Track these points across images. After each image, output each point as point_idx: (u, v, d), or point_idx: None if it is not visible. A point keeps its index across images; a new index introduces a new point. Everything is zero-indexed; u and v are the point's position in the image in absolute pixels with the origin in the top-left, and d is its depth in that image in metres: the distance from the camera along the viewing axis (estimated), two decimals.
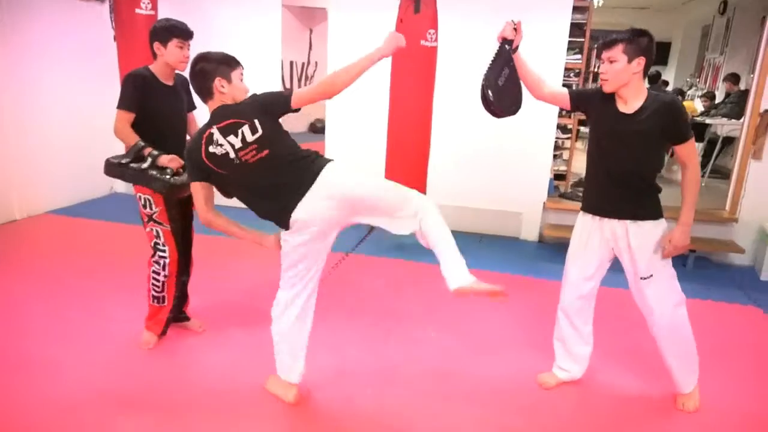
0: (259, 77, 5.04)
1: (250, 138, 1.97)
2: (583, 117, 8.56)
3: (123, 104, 2.40)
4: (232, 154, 1.98)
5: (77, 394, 2.26)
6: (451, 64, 4.31)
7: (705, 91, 7.80)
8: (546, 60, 4.40)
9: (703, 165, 6.48)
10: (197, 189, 2.10)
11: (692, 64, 9.18)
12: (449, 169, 4.59)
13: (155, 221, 2.51)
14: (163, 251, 2.55)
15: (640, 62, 2.06)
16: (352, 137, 4.91)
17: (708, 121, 6.40)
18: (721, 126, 6.13)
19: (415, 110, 3.75)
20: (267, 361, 2.55)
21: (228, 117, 2.00)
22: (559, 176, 4.93)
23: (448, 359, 2.70)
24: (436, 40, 3.63)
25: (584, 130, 9.33)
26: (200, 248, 2.90)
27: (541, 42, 4.39)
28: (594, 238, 2.29)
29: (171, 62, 2.45)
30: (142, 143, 2.39)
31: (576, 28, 4.43)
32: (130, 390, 2.32)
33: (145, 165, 2.37)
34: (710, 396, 2.41)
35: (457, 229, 4.96)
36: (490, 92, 2.25)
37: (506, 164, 4.58)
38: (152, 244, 2.55)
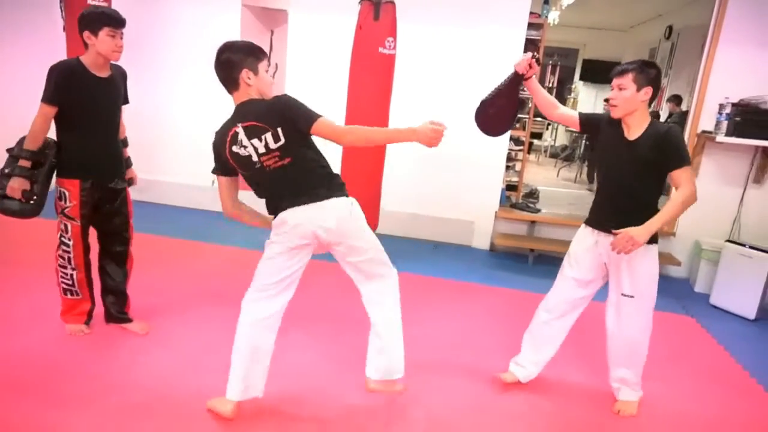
0: (216, 77, 4.99)
1: (273, 146, 1.96)
2: (534, 130, 8.74)
3: (45, 97, 2.31)
4: (254, 158, 1.98)
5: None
6: (409, 73, 4.37)
7: (651, 110, 8.16)
8: (501, 75, 4.51)
9: None
10: (222, 183, 2.11)
11: None
12: (404, 176, 4.63)
13: (66, 215, 2.46)
14: (68, 246, 2.50)
15: (647, 92, 2.20)
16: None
17: None
18: None
19: (372, 117, 3.76)
20: (209, 366, 2.51)
21: (254, 119, 1.96)
22: (511, 187, 5.06)
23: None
24: (394, 48, 3.67)
25: (537, 143, 9.63)
26: (149, 249, 2.83)
27: (496, 56, 4.51)
28: (591, 249, 2.40)
29: (103, 52, 2.36)
30: (25, 153, 2.32)
31: (531, 44, 4.57)
32: (67, 390, 2.22)
33: (7, 170, 2.35)
34: (649, 398, 2.53)
35: (412, 236, 5.07)
36: (480, 120, 2.48)
37: (460, 173, 4.66)
38: (59, 235, 2.51)
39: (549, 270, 4.41)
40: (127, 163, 2.75)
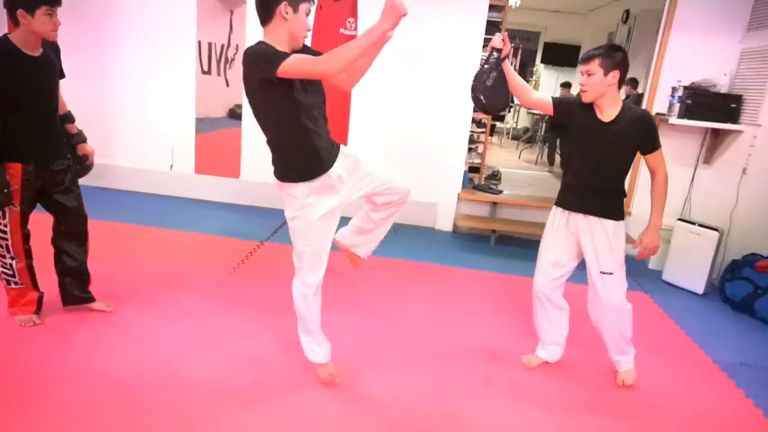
0: (172, 58, 4.84)
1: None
2: None
3: None
4: None
5: None
6: None
7: None
8: (463, 56, 4.53)
9: None
10: (299, 59, 1.85)
11: None
12: (368, 158, 4.61)
13: None
14: (5, 233, 2.41)
15: (615, 75, 2.27)
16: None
17: None
18: None
19: (333, 100, 3.72)
20: (170, 354, 2.48)
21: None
22: (473, 169, 5.11)
23: (363, 346, 2.74)
24: (355, 29, 3.63)
25: (500, 125, 9.74)
26: (106, 236, 2.75)
27: (458, 38, 4.52)
28: (562, 230, 2.51)
29: (40, 32, 2.26)
30: None
31: (492, 26, 4.58)
32: (22, 384, 2.15)
33: None
34: (606, 369, 2.65)
35: None
36: (479, 94, 2.43)
37: (423, 156, 4.68)
38: None
39: (511, 250, 4.53)
40: (80, 137, 2.63)
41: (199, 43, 4.98)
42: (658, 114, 4.39)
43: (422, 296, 3.40)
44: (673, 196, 4.50)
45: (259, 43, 1.96)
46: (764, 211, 3.93)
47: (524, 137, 8.77)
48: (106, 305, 2.75)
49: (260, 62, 1.87)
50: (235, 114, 8.93)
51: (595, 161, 2.40)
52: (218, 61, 8.63)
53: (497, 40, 2.42)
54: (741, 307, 3.68)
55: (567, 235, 2.50)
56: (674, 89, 4.21)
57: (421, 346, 2.78)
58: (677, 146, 4.45)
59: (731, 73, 4.24)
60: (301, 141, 2.09)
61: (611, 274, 2.44)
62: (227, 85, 6.56)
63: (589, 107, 2.38)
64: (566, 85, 8.70)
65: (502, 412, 2.31)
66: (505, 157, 7.77)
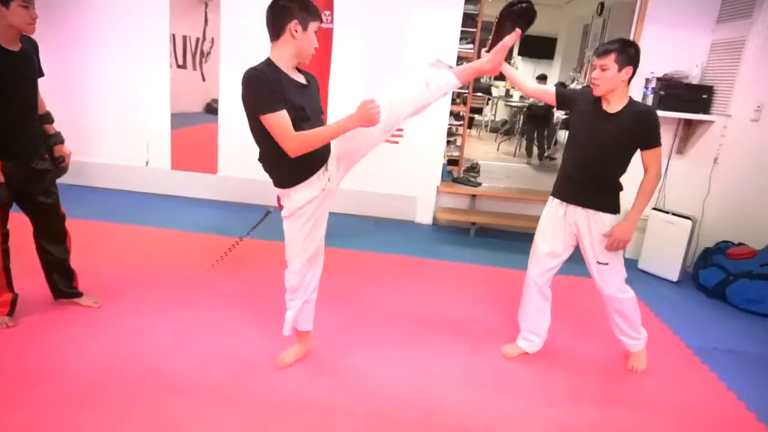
0: (145, 52, 4.75)
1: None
2: (475, 105, 8.85)
3: None
4: None
5: None
6: (347, 47, 4.31)
7: (584, 85, 8.45)
8: (439, 48, 4.53)
9: None
10: (281, 123, 1.94)
11: (575, 59, 9.88)
12: None
13: None
14: None
15: (628, 71, 2.31)
16: (245, 119, 4.76)
17: None
18: None
19: None
20: (146, 351, 2.44)
21: None
22: (452, 161, 5.12)
23: (344, 338, 2.73)
24: (331, 21, 3.60)
25: (478, 117, 9.78)
26: (82, 234, 2.71)
27: (434, 31, 4.52)
28: (559, 222, 2.54)
29: (17, 24, 2.21)
30: None
31: (468, 19, 4.59)
32: None
33: None
34: (584, 354, 2.69)
35: (353, 213, 5.07)
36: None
37: (401, 149, 4.68)
38: None
39: (490, 242, 4.56)
40: (57, 139, 2.60)
41: (173, 36, 4.90)
42: None
43: (403, 289, 3.41)
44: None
45: (267, 64, 2.00)
46: (735, 200, 4.03)
47: (503, 129, 8.82)
48: (94, 301, 2.77)
49: (253, 97, 1.96)
50: (211, 109, 8.81)
51: (594, 151, 2.42)
52: (193, 55, 8.50)
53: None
54: (714, 293, 3.77)
55: (564, 227, 2.54)
56: (648, 81, 4.27)
57: (401, 339, 2.79)
58: None
59: (702, 64, 4.31)
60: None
61: (606, 264, 2.50)
62: (203, 79, 6.47)
63: (596, 99, 2.42)
64: (542, 78, 8.77)
65: (482, 402, 2.34)
66: (484, 150, 7.81)
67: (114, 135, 4.93)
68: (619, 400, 2.44)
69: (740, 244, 3.91)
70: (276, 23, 1.97)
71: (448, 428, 2.15)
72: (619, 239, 2.40)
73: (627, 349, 2.72)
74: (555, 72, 10.19)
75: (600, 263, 2.50)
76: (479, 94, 8.58)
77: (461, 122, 5.10)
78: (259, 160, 2.16)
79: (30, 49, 2.36)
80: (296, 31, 1.95)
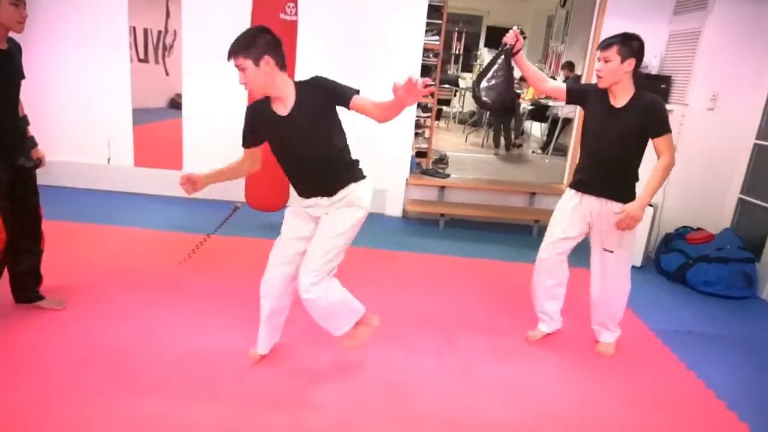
0: (103, 45, 4.60)
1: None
2: (443, 97, 8.89)
3: None
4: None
5: None
6: (313, 40, 4.27)
7: (549, 76, 8.58)
8: (405, 40, 4.53)
9: (547, 143, 7.18)
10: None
11: (540, 51, 10.02)
12: None
13: None
14: None
15: (630, 63, 2.37)
16: (210, 114, 4.68)
17: (550, 103, 7.06)
18: (561, 108, 6.81)
19: None
20: (111, 355, 2.39)
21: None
22: (420, 154, 5.15)
23: (315, 332, 2.73)
24: (295, 14, 3.56)
25: (446, 109, 9.83)
26: (46, 234, 2.65)
27: (399, 23, 4.51)
28: (574, 209, 2.63)
29: (6, 23, 2.17)
30: None
31: (434, 10, 4.60)
32: None
33: None
34: (555, 337, 2.76)
35: None
36: (479, 92, 2.56)
37: (370, 143, 4.66)
38: None
39: (459, 233, 4.61)
40: (32, 142, 2.58)
41: (134, 29, 4.78)
42: None
43: (373, 282, 3.42)
44: None
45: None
46: (693, 186, 4.17)
47: (470, 121, 8.89)
48: (57, 302, 2.70)
49: (339, 85, 2.11)
50: (175, 104, 8.64)
51: (607, 146, 2.49)
52: (155, 49, 8.29)
53: (510, 35, 2.52)
54: (675, 277, 3.90)
55: (579, 214, 2.63)
56: (540, 71, 4.35)
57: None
58: None
59: (661, 55, 4.43)
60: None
61: (612, 252, 2.58)
62: (167, 73, 6.30)
63: (603, 93, 2.49)
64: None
65: (455, 392, 2.37)
66: (452, 141, 7.86)
67: (73, 132, 4.78)
68: (587, 385, 2.51)
69: (699, 229, 4.05)
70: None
71: (422, 420, 2.17)
72: (631, 215, 2.40)
73: (597, 338, 2.80)
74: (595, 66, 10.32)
75: (606, 250, 2.60)
76: (446, 85, 8.63)
77: (429, 114, 5.12)
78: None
79: (15, 49, 2.32)
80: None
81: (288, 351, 2.55)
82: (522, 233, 4.72)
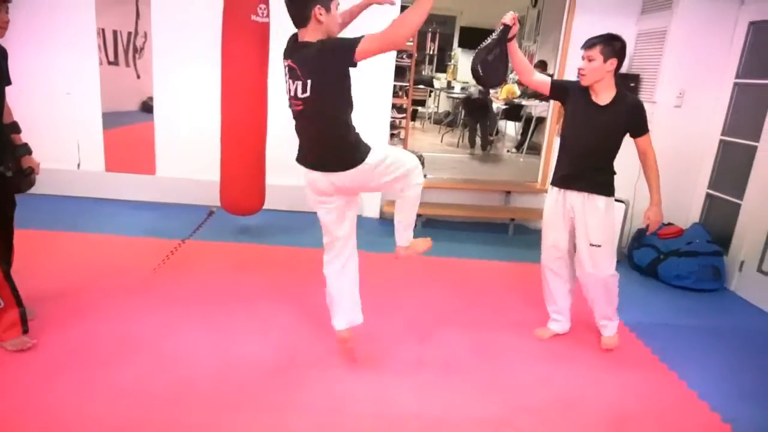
0: (71, 47, 4.50)
1: (300, 95, 2.08)
2: (418, 98, 8.91)
3: None
4: (290, 94, 2.14)
5: None
6: (285, 42, 4.23)
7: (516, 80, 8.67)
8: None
9: (522, 142, 7.26)
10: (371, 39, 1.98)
11: None
12: (289, 148, 4.51)
13: None
14: None
15: (612, 62, 2.46)
16: (183, 116, 4.62)
17: (524, 102, 7.15)
18: (534, 107, 6.90)
19: (250, 87, 3.63)
20: (94, 360, 2.34)
21: (297, 60, 2.06)
22: None
23: (295, 334, 2.71)
24: (267, 15, 3.53)
25: (422, 109, 9.87)
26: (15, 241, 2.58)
27: (371, 23, 4.49)
28: (559, 209, 2.69)
29: None
30: None
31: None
32: None
33: None
34: (528, 331, 2.79)
35: (300, 209, 5.00)
36: (479, 67, 2.51)
37: None
38: None
39: (436, 233, 4.62)
40: (25, 149, 2.48)
41: (102, 31, 4.67)
42: None
43: None
44: None
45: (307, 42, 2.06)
46: (663, 182, 4.22)
47: (446, 121, 8.94)
48: (28, 313, 2.55)
49: (340, 42, 2.03)
50: (147, 107, 8.48)
51: (588, 141, 2.57)
52: (126, 51, 8.11)
53: (509, 17, 2.54)
54: (647, 271, 3.98)
55: (564, 213, 2.68)
56: (529, 64, 4.42)
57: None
58: None
59: (630, 53, 4.51)
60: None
61: (599, 246, 2.63)
62: (138, 76, 6.19)
63: (586, 91, 2.55)
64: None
65: (433, 390, 2.38)
66: (428, 141, 7.89)
67: (41, 137, 4.59)
68: (563, 379, 2.54)
69: (669, 224, 4.14)
70: (300, 10, 2.04)
71: (400, 418, 2.17)
72: (654, 220, 2.60)
73: (602, 332, 2.87)
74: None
75: (593, 245, 2.64)
76: (421, 86, 8.67)
77: (404, 115, 5.13)
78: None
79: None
80: (321, 14, 2.02)
81: (266, 353, 2.53)
82: (498, 231, 4.76)
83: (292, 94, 2.12)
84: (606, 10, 4.45)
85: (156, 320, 2.74)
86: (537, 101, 6.83)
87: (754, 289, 3.69)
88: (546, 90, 2.69)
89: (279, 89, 4.09)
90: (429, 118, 9.78)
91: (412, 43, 4.70)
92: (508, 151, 7.59)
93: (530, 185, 5.06)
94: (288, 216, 4.69)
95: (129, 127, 5.65)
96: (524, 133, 7.19)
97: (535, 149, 6.98)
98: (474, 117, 7.28)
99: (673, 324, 3.21)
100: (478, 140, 7.32)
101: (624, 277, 3.93)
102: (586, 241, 2.65)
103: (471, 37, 10.97)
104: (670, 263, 3.85)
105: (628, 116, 2.52)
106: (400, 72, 4.80)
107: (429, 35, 10.57)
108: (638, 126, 2.54)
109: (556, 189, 2.71)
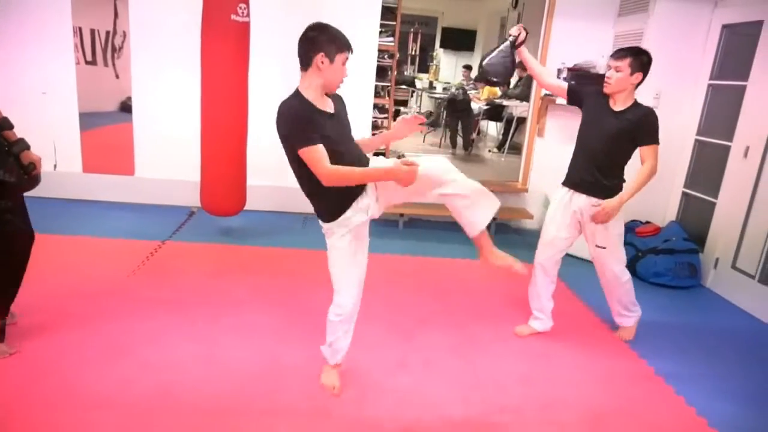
0: (46, 46, 4.42)
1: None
2: (399, 98, 8.90)
3: None
4: None
5: None
6: (265, 42, 4.22)
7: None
8: (359, 42, 4.52)
9: (503, 143, 7.32)
10: (318, 157, 1.95)
11: None
12: (269, 148, 4.47)
13: None
14: None
15: (638, 76, 2.55)
16: (162, 116, 4.56)
17: (505, 103, 7.20)
18: (515, 107, 6.96)
19: (230, 88, 3.60)
20: (74, 366, 2.30)
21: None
22: (378, 154, 5.15)
23: (278, 338, 2.70)
24: (247, 15, 3.51)
25: (404, 109, 9.89)
26: None
27: (353, 24, 4.49)
28: (565, 208, 2.77)
29: None
30: None
31: (388, 12, 4.62)
32: None
33: None
34: (511, 326, 2.79)
35: (280, 210, 4.99)
36: (484, 66, 2.67)
37: None
38: None
39: (418, 233, 4.64)
40: (23, 145, 2.36)
41: (80, 30, 4.60)
42: (546, 95, 4.67)
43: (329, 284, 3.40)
44: (563, 171, 4.78)
45: (295, 96, 2.02)
46: None
47: (428, 121, 8.97)
48: (11, 316, 2.52)
49: (289, 132, 1.97)
50: (127, 107, 8.35)
51: (599, 145, 2.63)
52: (104, 51, 7.97)
53: (515, 29, 2.68)
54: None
55: (569, 213, 2.74)
56: (559, 71, 4.49)
57: None
58: (564, 124, 4.76)
59: (608, 55, 4.57)
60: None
61: (604, 248, 2.72)
62: (117, 76, 6.09)
63: (604, 96, 2.62)
64: (468, 68, 9.02)
65: (414, 390, 2.39)
66: (410, 141, 7.90)
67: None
68: (541, 378, 2.57)
69: (647, 222, 4.21)
70: (303, 54, 2.00)
71: (381, 420, 2.17)
72: (606, 210, 2.59)
73: (619, 323, 2.99)
74: (476, 63, 10.46)
75: (598, 246, 2.73)
76: (403, 86, 8.68)
77: (386, 115, 5.14)
78: (307, 196, 2.18)
79: None
80: (322, 63, 1.98)
81: (246, 357, 2.51)
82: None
83: None
84: (584, 12, 4.51)
85: (136, 324, 2.71)
86: (518, 102, 6.89)
87: (728, 285, 3.77)
88: (563, 94, 2.76)
89: (260, 89, 4.08)
90: None
91: (393, 43, 4.71)
92: (489, 151, 7.65)
93: (511, 185, 5.10)
94: (269, 217, 4.67)
95: (108, 128, 5.56)
96: (506, 133, 7.25)
97: (516, 149, 7.03)
98: (456, 118, 7.32)
99: (651, 321, 3.26)
100: (460, 140, 7.36)
101: None
102: (592, 242, 2.76)
103: (452, 38, 11.05)
104: (648, 261, 3.91)
105: (639, 123, 2.57)
106: (381, 72, 4.80)
107: (411, 35, 10.60)
108: (646, 134, 2.58)
109: (565, 189, 2.78)
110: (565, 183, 2.81)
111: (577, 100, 2.77)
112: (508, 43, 2.69)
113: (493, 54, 2.71)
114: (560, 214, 2.79)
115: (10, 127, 2.37)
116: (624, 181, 2.72)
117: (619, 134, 2.60)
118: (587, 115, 2.74)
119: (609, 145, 2.63)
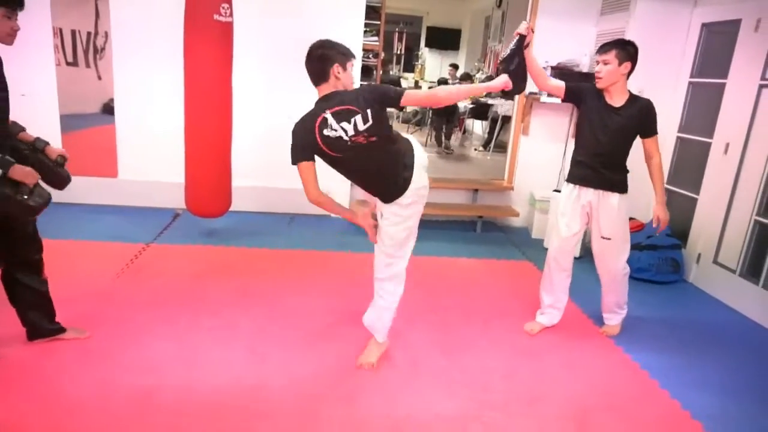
0: (24, 47, 4.34)
1: (361, 126, 2.14)
2: None
3: None
4: (345, 137, 2.15)
5: None
6: (249, 42, 4.20)
7: (488, 74, 8.79)
8: (343, 41, 4.50)
9: (489, 141, 7.35)
10: (309, 169, 2.21)
11: (478, 50, 10.26)
12: (254, 148, 4.49)
13: None
14: None
15: (626, 66, 2.60)
16: (145, 118, 4.52)
17: (490, 101, 7.24)
18: (501, 106, 6.99)
19: (214, 89, 3.58)
20: (55, 368, 2.28)
21: (342, 103, 2.13)
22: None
23: (261, 339, 2.69)
24: (230, 15, 3.49)
25: (389, 109, 9.90)
26: None
27: (337, 23, 4.49)
28: (575, 203, 2.81)
29: None
30: None
31: (372, 11, 4.62)
32: None
33: None
34: (492, 325, 2.81)
35: (266, 210, 4.97)
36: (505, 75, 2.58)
37: None
38: None
39: None
40: (41, 142, 2.39)
41: (60, 30, 4.54)
42: (531, 93, 4.70)
43: (319, 284, 3.40)
44: (549, 170, 4.86)
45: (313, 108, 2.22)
46: None
47: (414, 120, 8.99)
48: (81, 332, 2.54)
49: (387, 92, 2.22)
50: (109, 109, 8.26)
51: (604, 141, 2.68)
52: (85, 51, 7.88)
53: (523, 27, 2.61)
54: None
55: (579, 207, 2.79)
56: (543, 69, 4.51)
57: (320, 333, 2.79)
58: (549, 123, 4.81)
59: (591, 53, 4.62)
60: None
61: (609, 239, 2.76)
62: (99, 77, 6.01)
63: (600, 94, 2.68)
64: (454, 67, 9.05)
65: (402, 388, 2.39)
66: None
67: None
68: (527, 374, 2.59)
69: (630, 218, 4.25)
70: (320, 69, 2.18)
71: (370, 417, 2.18)
72: (663, 219, 2.72)
73: (607, 321, 3.04)
74: (461, 62, 10.51)
75: (603, 238, 2.78)
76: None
77: None
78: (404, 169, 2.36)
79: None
80: (339, 72, 2.18)
81: (231, 359, 2.50)
82: (466, 229, 4.82)
83: (352, 132, 2.14)
84: (567, 11, 4.55)
85: (119, 328, 2.68)
86: (503, 100, 6.92)
87: (710, 280, 3.83)
88: (560, 93, 2.79)
89: (243, 90, 4.06)
90: (397, 117, 9.81)
91: (378, 43, 4.71)
92: (475, 149, 7.68)
93: (497, 183, 5.13)
94: (255, 218, 4.65)
95: (90, 130, 5.48)
96: (491, 132, 7.29)
97: (501, 147, 7.07)
98: (441, 117, 7.34)
99: (636, 316, 3.30)
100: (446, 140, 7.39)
101: (588, 271, 4.04)
102: (598, 234, 2.81)
103: (437, 37, 11.07)
104: (632, 257, 3.88)
105: (640, 117, 2.65)
106: (366, 71, 4.80)
107: (396, 35, 10.61)
108: (648, 127, 2.68)
109: (571, 185, 2.83)
110: (570, 180, 2.86)
111: (574, 98, 2.81)
112: (517, 44, 2.60)
113: (509, 63, 2.58)
114: (570, 208, 2.85)
115: (21, 129, 2.38)
116: (628, 171, 2.78)
117: (624, 130, 2.68)
118: (587, 113, 2.77)
119: (613, 141, 2.69)
